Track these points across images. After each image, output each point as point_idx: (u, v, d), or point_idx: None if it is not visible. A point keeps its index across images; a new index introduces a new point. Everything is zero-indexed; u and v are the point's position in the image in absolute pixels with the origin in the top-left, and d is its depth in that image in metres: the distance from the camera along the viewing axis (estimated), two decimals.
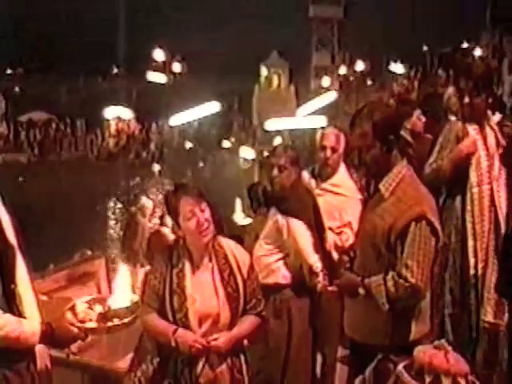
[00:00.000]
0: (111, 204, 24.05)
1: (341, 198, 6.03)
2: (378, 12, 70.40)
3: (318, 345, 6.04)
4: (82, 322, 3.37)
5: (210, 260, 4.31)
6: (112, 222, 21.88)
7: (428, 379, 2.39)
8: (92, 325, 3.38)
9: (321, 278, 5.60)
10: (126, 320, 3.44)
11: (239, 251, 4.49)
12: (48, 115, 49.84)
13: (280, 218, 5.69)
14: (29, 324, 3.26)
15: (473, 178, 5.58)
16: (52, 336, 3.29)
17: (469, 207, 5.53)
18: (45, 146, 45.13)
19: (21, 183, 27.75)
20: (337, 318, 5.70)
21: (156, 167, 34.33)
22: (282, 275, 5.76)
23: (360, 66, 61.21)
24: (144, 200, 15.10)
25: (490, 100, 5.66)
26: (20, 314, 3.27)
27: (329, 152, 6.04)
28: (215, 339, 4.15)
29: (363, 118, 4.00)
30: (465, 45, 54.23)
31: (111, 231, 20.32)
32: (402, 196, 3.88)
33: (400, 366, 2.49)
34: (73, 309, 3.39)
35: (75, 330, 3.33)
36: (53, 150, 44.61)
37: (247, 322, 4.34)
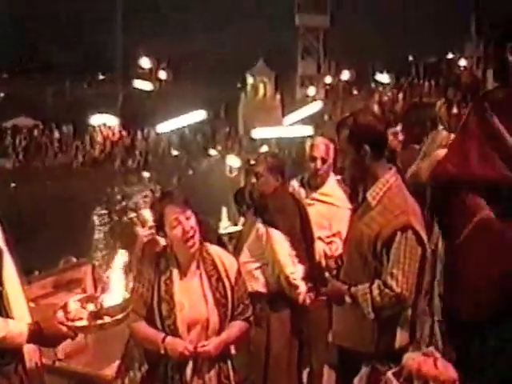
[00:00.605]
0: (96, 211, 23.99)
1: (330, 207, 6.08)
2: (364, 21, 70.64)
3: (305, 355, 6.07)
4: (73, 320, 3.37)
5: (198, 267, 4.33)
6: (97, 229, 21.81)
7: None
8: (83, 323, 3.39)
9: (302, 289, 5.63)
10: (116, 317, 3.44)
11: (227, 258, 4.52)
12: (33, 121, 49.70)
13: (261, 226, 5.73)
14: (15, 324, 3.27)
15: None
16: (40, 335, 3.30)
17: None
18: (30, 152, 45.01)
19: (5, 189, 27.62)
20: (324, 327, 5.77)
21: (145, 174, 34.28)
22: (262, 283, 5.79)
23: (346, 75, 61.42)
24: (145, 212, 15.07)
25: None
26: (8, 315, 3.30)
27: (319, 163, 6.12)
28: (204, 345, 4.16)
29: (344, 125, 4.07)
30: (450, 55, 54.53)
31: (97, 238, 20.24)
32: (388, 205, 3.91)
33: (389, 373, 2.52)
34: (65, 307, 3.40)
35: (64, 328, 3.33)
36: (38, 155, 44.47)
37: (236, 328, 4.36)
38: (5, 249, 3.45)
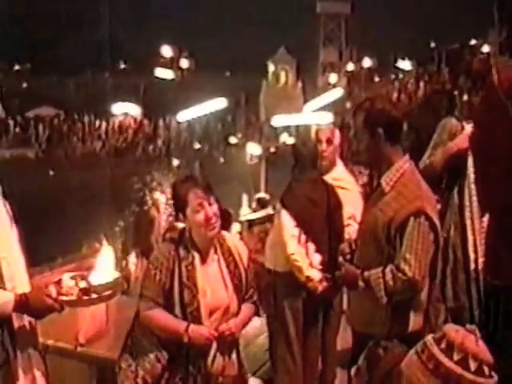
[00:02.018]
0: (118, 198, 24.11)
1: (342, 191, 6.14)
2: (386, 8, 70.28)
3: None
4: (65, 295, 3.49)
5: (216, 252, 4.33)
6: (120, 216, 21.96)
7: (456, 357, 2.46)
8: (71, 298, 3.51)
9: (314, 277, 5.72)
10: (103, 294, 3.58)
11: (240, 244, 4.56)
12: (55, 110, 49.95)
13: (278, 207, 5.96)
14: (1, 293, 3.39)
15: (471, 174, 5.62)
16: (26, 306, 3.40)
17: (467, 203, 5.56)
18: (52, 142, 45.23)
19: (29, 178, 27.80)
20: (337, 314, 5.92)
21: (175, 162, 34.37)
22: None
23: (367, 62, 61.17)
24: (157, 194, 15.17)
25: None
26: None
27: (324, 145, 6.21)
28: (228, 327, 4.20)
29: (360, 110, 4.12)
30: (472, 42, 54.07)
31: (119, 225, 20.40)
32: (402, 190, 3.94)
33: (429, 337, 2.56)
34: (58, 282, 3.52)
35: (50, 301, 3.42)
36: (60, 145, 44.67)
37: (248, 310, 4.42)
38: (11, 222, 3.62)
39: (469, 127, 5.62)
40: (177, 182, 4.43)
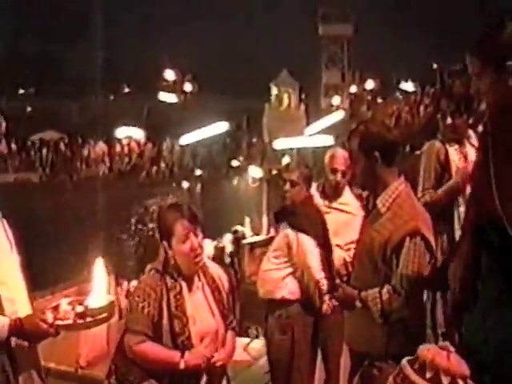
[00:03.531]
0: (122, 222, 24.18)
1: (347, 215, 6.18)
2: (388, 30, 70.44)
3: (323, 359, 6.17)
4: (61, 319, 3.53)
5: (200, 280, 4.34)
6: (123, 240, 22.01)
7: (428, 375, 2.50)
8: (67, 322, 3.55)
9: (327, 299, 5.72)
10: (97, 318, 3.63)
11: (219, 270, 4.58)
12: (59, 134, 50.03)
13: (290, 232, 5.82)
14: None
15: (459, 197, 5.68)
16: (21, 330, 3.44)
17: (457, 226, 5.60)
18: (56, 165, 45.28)
19: (32, 202, 27.86)
20: (341, 334, 5.89)
21: (185, 184, 34.39)
22: (289, 291, 5.88)
23: (370, 84, 61.24)
24: None
25: (471, 120, 5.74)
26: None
27: (339, 176, 6.22)
28: (218, 358, 4.22)
29: (355, 134, 4.16)
30: None
31: (122, 248, 20.45)
32: (397, 211, 3.97)
33: (404, 360, 2.61)
34: (56, 308, 3.57)
35: (44, 326, 3.46)
36: (64, 168, 44.74)
37: (232, 339, 4.46)
38: (12, 246, 3.66)
39: (452, 150, 5.70)
40: (163, 210, 4.40)
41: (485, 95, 3.65)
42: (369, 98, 60.00)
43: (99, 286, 3.78)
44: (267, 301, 6.00)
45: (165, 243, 4.23)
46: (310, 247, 5.81)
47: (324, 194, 6.30)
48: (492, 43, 3.49)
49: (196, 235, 4.19)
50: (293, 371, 5.89)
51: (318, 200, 6.20)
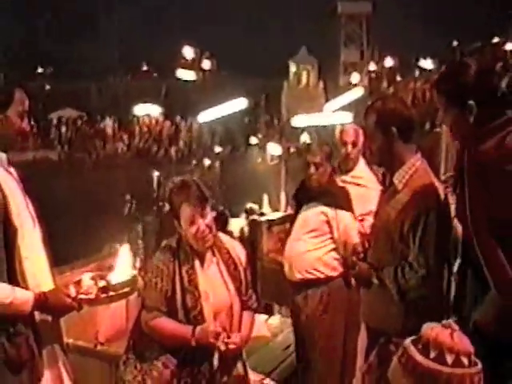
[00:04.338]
0: (140, 200, 24.21)
1: (361, 188, 6.18)
2: (408, 7, 69.99)
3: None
4: (84, 294, 3.58)
5: (214, 255, 4.35)
6: (141, 218, 22.04)
7: (433, 354, 2.50)
8: (90, 296, 3.60)
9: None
10: (120, 292, 3.68)
11: (237, 245, 4.58)
12: (78, 112, 50.15)
13: (328, 210, 5.85)
14: (22, 292, 3.46)
15: None
16: (45, 305, 3.49)
17: None
18: (74, 143, 45.42)
19: (51, 180, 27.96)
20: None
21: (205, 162, 34.33)
22: (332, 267, 5.91)
23: (389, 61, 60.89)
24: None
25: None
26: (23, 283, 3.51)
27: (350, 147, 6.29)
28: (233, 341, 4.20)
29: (372, 110, 4.15)
30: (495, 39, 53.69)
31: (140, 226, 20.47)
32: (414, 188, 3.97)
33: (408, 340, 2.61)
34: (78, 282, 3.61)
35: (68, 300, 3.52)
36: (82, 147, 44.85)
37: (249, 320, 4.45)
38: (34, 221, 3.69)
39: None
40: (171, 191, 4.35)
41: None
42: (388, 75, 59.70)
43: (122, 262, 3.81)
44: (304, 281, 5.95)
45: (176, 222, 4.26)
46: (350, 222, 5.87)
47: (338, 169, 6.31)
48: (455, 83, 3.61)
49: (203, 217, 4.18)
50: (329, 350, 5.93)
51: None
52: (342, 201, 5.91)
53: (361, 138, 6.29)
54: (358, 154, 6.35)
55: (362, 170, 6.36)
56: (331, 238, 5.89)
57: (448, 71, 3.74)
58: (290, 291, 6.08)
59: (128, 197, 23.17)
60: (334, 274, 5.90)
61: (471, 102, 3.47)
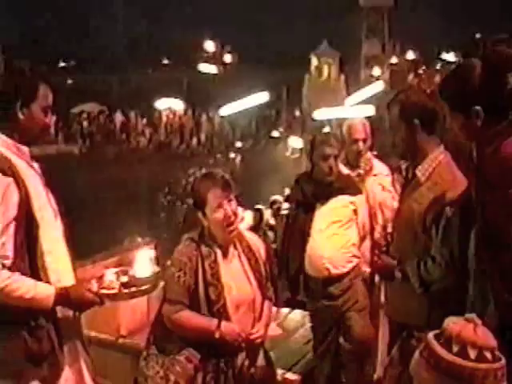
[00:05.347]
0: (162, 193, 24.29)
1: (385, 193, 6.26)
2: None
3: None
4: (106, 289, 3.61)
5: (236, 248, 4.36)
6: (163, 210, 22.11)
7: (455, 348, 2.48)
8: (112, 291, 3.63)
9: None
10: (142, 288, 3.69)
11: (256, 239, 4.59)
12: (100, 106, 50.32)
13: (356, 199, 5.87)
14: (44, 286, 3.48)
15: None
16: (67, 299, 3.51)
17: None
18: (96, 137, 45.58)
19: (73, 174, 28.07)
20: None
21: (228, 155, 34.44)
22: (365, 259, 5.93)
23: (411, 54, 60.68)
24: None
25: None
26: (44, 278, 3.53)
27: (361, 144, 6.27)
28: (256, 331, 4.26)
29: (395, 102, 4.13)
30: None
31: (162, 219, 20.54)
32: (437, 181, 3.94)
33: (430, 334, 2.59)
34: (101, 278, 3.64)
35: (90, 295, 3.53)
36: (104, 140, 45.01)
37: (268, 309, 4.47)
38: (56, 215, 3.71)
39: None
40: (196, 180, 4.38)
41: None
42: (409, 68, 59.50)
43: (144, 257, 3.81)
44: (338, 275, 5.92)
45: (200, 213, 4.26)
46: (365, 204, 5.98)
47: (348, 165, 6.28)
48: (458, 89, 3.56)
49: (230, 203, 4.20)
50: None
51: (345, 170, 6.16)
52: (359, 188, 5.98)
53: (369, 133, 6.33)
54: (367, 149, 6.36)
55: (377, 166, 6.43)
56: (357, 224, 5.91)
57: (450, 76, 3.70)
58: (318, 287, 5.98)
59: (166, 190, 23.24)
60: (367, 268, 5.92)
61: (477, 108, 3.42)
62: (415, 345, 2.97)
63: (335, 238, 5.83)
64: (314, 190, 5.86)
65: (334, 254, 5.80)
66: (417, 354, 2.60)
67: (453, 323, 2.55)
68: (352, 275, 5.84)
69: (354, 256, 5.87)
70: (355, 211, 5.87)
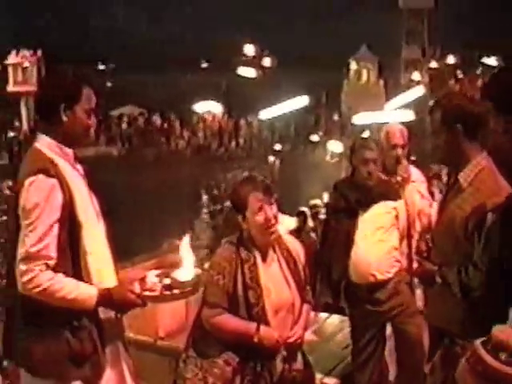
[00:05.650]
0: (202, 196, 24.39)
1: (424, 200, 6.18)
2: (469, 2, 69.05)
3: None
4: (148, 291, 3.61)
5: (275, 252, 4.37)
6: (201, 213, 22.18)
7: (502, 356, 2.45)
8: (154, 294, 3.63)
9: None
10: (185, 290, 3.68)
11: (295, 242, 4.59)
12: (139, 109, 50.65)
13: (397, 204, 5.87)
14: (86, 287, 3.52)
15: None
16: (110, 300, 3.54)
17: None
18: (135, 140, 45.87)
19: (112, 175, 28.29)
20: None
21: (271, 159, 34.47)
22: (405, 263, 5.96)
23: (451, 59, 60.24)
24: None
25: None
26: (87, 279, 3.58)
27: (400, 150, 6.18)
28: (294, 333, 4.27)
29: (438, 106, 4.09)
30: None
31: (200, 222, 20.59)
32: (480, 187, 3.90)
33: (477, 341, 2.56)
34: (143, 279, 3.64)
35: (133, 296, 3.55)
36: (143, 143, 45.28)
37: (306, 312, 4.46)
38: (98, 216, 3.77)
39: None
40: (237, 183, 4.44)
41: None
42: (449, 72, 59.09)
43: (187, 260, 3.83)
44: (384, 281, 5.90)
45: (240, 216, 4.28)
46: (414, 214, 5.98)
47: (385, 172, 6.24)
48: (502, 90, 3.69)
49: (270, 207, 4.22)
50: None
51: (382, 176, 6.13)
52: (398, 192, 5.95)
53: (406, 138, 6.26)
54: (405, 156, 6.30)
55: (417, 176, 6.38)
56: (398, 229, 5.91)
57: (493, 79, 3.67)
58: (363, 293, 5.95)
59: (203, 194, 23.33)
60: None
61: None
62: (459, 352, 2.94)
63: (380, 244, 5.82)
64: (357, 196, 5.84)
65: (380, 260, 5.79)
66: (463, 361, 2.57)
67: (500, 331, 2.53)
68: (396, 280, 5.82)
69: (397, 261, 5.86)
70: (397, 216, 5.86)
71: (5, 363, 7.45)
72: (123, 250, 4.23)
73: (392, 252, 5.84)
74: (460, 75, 59.75)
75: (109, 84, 63.50)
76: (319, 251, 6.52)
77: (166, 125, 47.79)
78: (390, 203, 5.83)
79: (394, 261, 5.84)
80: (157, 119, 48.30)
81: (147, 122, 48.51)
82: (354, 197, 5.84)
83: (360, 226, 5.83)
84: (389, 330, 6.08)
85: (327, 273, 6.04)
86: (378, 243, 5.80)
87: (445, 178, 6.47)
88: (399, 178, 6.13)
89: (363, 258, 5.80)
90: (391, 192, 5.87)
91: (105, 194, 3.90)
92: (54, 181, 3.45)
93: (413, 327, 5.81)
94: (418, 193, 6.20)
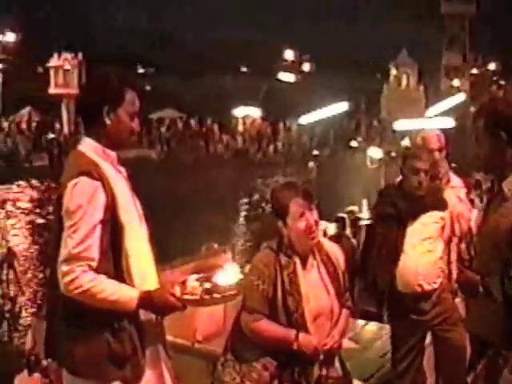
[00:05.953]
0: (240, 201, 24.43)
1: (464, 205, 6.20)
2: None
3: None
4: (188, 294, 3.62)
5: (314, 258, 4.37)
6: (240, 218, 22.23)
7: None
8: (194, 297, 3.63)
9: None
10: (225, 294, 3.68)
11: (335, 248, 4.57)
12: (178, 113, 50.88)
13: (445, 214, 5.89)
14: (127, 289, 3.53)
15: None
16: (150, 303, 3.54)
17: None
18: (174, 143, 46.07)
19: (152, 178, 28.45)
20: None
21: (311, 164, 34.45)
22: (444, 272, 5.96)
23: (492, 65, 59.75)
24: None
25: None
26: (129, 280, 3.59)
27: (437, 154, 6.18)
28: (334, 340, 4.27)
29: (481, 113, 4.04)
30: None
31: (239, 226, 20.62)
32: None
33: None
34: (183, 283, 3.65)
35: (173, 300, 3.55)
36: (182, 146, 45.46)
37: (345, 317, 4.44)
38: (141, 218, 3.79)
39: None
40: (277, 189, 4.43)
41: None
42: (490, 79, 58.60)
43: (227, 264, 3.82)
44: (430, 291, 5.87)
45: (280, 222, 4.28)
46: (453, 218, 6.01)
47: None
48: (489, 113, 3.75)
49: (311, 212, 4.23)
50: None
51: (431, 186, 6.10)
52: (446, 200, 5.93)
53: (444, 144, 6.26)
54: (443, 160, 6.28)
55: (456, 181, 6.36)
56: (442, 239, 5.92)
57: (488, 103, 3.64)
58: (409, 303, 5.91)
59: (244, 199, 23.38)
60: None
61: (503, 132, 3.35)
62: (501, 363, 2.90)
63: (428, 254, 5.81)
64: (406, 204, 5.79)
65: (427, 270, 5.77)
66: (506, 372, 2.55)
67: None
68: (440, 289, 5.80)
69: (442, 271, 5.85)
70: (443, 227, 5.86)
71: (44, 363, 7.54)
72: (161, 253, 4.25)
73: (438, 263, 5.83)
74: (501, 82, 59.16)
75: (147, 87, 63.84)
76: (362, 257, 6.49)
77: (204, 128, 47.95)
78: (438, 213, 5.83)
79: (439, 271, 5.82)
80: (195, 123, 48.49)
81: (186, 126, 48.71)
82: (403, 205, 5.79)
83: (408, 235, 5.80)
84: (428, 338, 6.04)
85: (372, 281, 6.01)
86: (425, 253, 5.79)
87: (484, 186, 6.42)
88: (438, 182, 6.12)
89: (411, 267, 5.76)
90: (440, 201, 5.86)
91: (144, 196, 3.92)
92: (97, 183, 3.48)
93: (456, 335, 5.76)
94: (457, 197, 6.16)
